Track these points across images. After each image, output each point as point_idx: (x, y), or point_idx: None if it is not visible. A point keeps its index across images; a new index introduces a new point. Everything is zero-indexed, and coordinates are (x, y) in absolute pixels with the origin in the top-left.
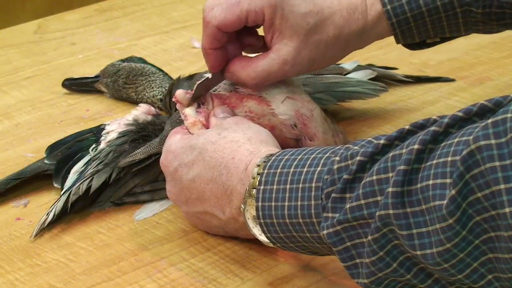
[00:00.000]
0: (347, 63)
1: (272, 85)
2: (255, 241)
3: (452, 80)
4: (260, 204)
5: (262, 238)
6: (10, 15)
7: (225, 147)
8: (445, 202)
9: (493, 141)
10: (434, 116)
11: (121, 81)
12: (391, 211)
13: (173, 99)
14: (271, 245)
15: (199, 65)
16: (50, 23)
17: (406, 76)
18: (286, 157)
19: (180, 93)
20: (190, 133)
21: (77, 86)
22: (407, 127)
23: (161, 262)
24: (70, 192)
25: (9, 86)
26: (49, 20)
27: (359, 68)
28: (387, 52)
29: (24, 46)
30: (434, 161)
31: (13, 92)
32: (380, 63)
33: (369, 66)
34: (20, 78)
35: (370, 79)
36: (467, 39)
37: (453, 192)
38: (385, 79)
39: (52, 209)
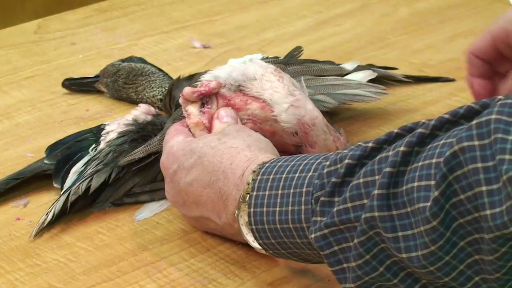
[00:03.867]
0: (347, 63)
1: (277, 91)
2: None
3: (452, 80)
4: (252, 210)
5: (255, 245)
6: (10, 15)
7: (224, 153)
8: (428, 204)
9: (476, 143)
10: (423, 120)
11: (121, 81)
12: (376, 214)
13: (180, 95)
14: (263, 252)
15: (199, 65)
16: (50, 23)
17: (406, 76)
18: (279, 163)
19: (187, 91)
20: (190, 130)
21: (77, 86)
22: (396, 130)
23: (161, 262)
24: (70, 192)
25: (9, 86)
26: (49, 20)
27: (359, 68)
28: (387, 52)
29: (24, 46)
30: (420, 163)
31: (13, 92)
32: (380, 63)
33: (369, 67)
34: (20, 78)
35: (371, 80)
36: (467, 39)
37: (436, 193)
38: (385, 79)
39: (52, 209)
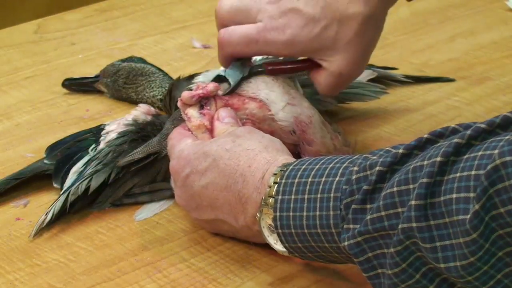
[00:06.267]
0: None
1: (273, 90)
2: None
3: (452, 80)
4: (278, 214)
5: (278, 247)
6: (10, 15)
7: (240, 155)
8: (468, 216)
9: None
10: (453, 125)
11: (121, 81)
12: (414, 224)
13: (178, 99)
14: (286, 254)
15: (199, 65)
16: (50, 23)
17: (406, 76)
18: (303, 166)
19: (186, 96)
20: (193, 133)
21: (77, 86)
22: (425, 135)
23: (161, 262)
24: (69, 192)
25: (9, 86)
26: (49, 20)
27: None
28: (387, 52)
29: (24, 46)
30: (458, 174)
31: (13, 92)
32: (380, 63)
33: (369, 66)
34: (20, 78)
35: (371, 79)
36: (467, 39)
37: (476, 207)
38: (385, 79)
39: (51, 209)
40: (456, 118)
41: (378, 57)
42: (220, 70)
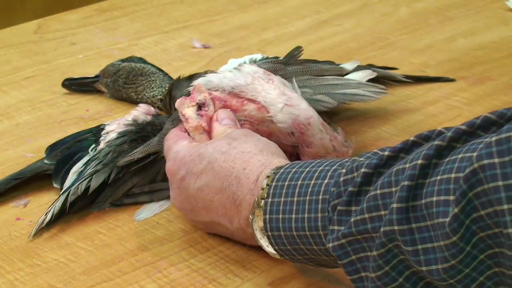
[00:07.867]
0: (347, 63)
1: (270, 92)
2: None
3: (452, 80)
4: (267, 216)
5: (269, 249)
6: (10, 15)
7: (236, 157)
8: (448, 219)
9: (496, 160)
10: (439, 128)
11: (121, 81)
12: (396, 227)
13: (177, 100)
14: (277, 256)
15: (199, 65)
16: (50, 23)
17: (406, 77)
18: (294, 169)
19: (180, 102)
20: (189, 134)
21: (77, 86)
22: (412, 138)
23: (161, 262)
24: (69, 192)
25: (9, 86)
26: (49, 20)
27: (359, 68)
28: (387, 52)
29: (24, 46)
30: (438, 177)
31: (13, 92)
32: (380, 63)
33: (369, 66)
34: (20, 78)
35: (371, 79)
36: (468, 39)
37: (456, 210)
38: (385, 79)
39: (51, 209)
40: (456, 118)
41: (378, 57)
42: (218, 74)
